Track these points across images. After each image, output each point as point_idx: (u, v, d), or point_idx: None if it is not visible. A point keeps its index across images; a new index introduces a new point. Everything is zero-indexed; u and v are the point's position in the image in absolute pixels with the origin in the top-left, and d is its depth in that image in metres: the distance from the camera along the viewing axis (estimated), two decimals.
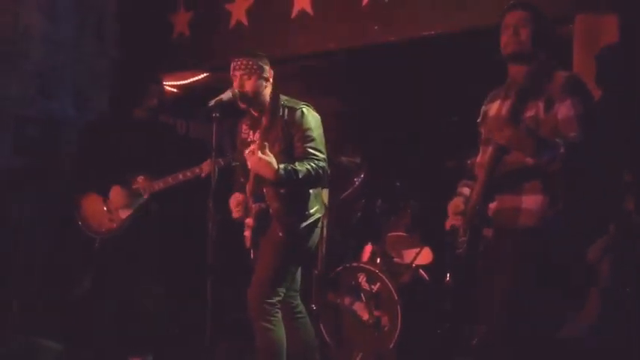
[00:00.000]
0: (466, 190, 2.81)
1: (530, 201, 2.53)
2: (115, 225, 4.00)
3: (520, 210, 2.55)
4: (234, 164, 3.63)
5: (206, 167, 3.83)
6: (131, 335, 4.13)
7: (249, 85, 3.23)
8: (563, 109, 2.50)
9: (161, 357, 4.17)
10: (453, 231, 2.74)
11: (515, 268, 2.52)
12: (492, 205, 2.61)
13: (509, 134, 2.41)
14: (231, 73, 3.29)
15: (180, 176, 3.93)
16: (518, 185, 2.56)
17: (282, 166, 3.02)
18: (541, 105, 2.54)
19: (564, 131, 2.47)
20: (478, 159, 2.80)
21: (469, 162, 2.96)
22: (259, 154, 2.97)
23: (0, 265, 4.36)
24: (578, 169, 2.48)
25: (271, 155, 3.01)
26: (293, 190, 3.15)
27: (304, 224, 3.22)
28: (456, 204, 2.76)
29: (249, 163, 3.10)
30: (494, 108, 2.77)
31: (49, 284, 4.53)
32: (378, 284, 4.22)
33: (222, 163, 3.71)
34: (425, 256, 4.61)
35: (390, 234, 4.62)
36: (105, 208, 4.03)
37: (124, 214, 4.00)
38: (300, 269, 3.38)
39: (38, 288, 4.45)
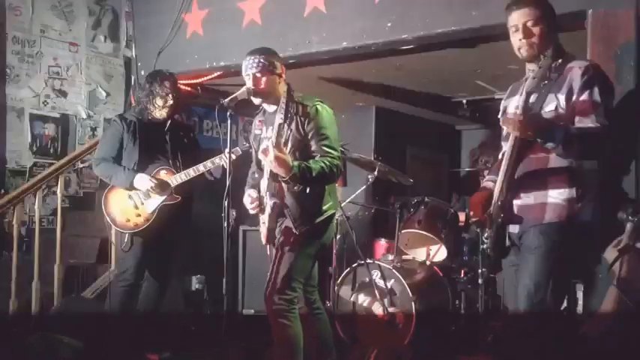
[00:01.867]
0: (490, 184, 2.79)
1: (556, 196, 2.53)
2: (142, 219, 4.00)
3: (546, 204, 2.54)
4: (246, 150, 3.61)
5: (225, 157, 3.83)
6: (148, 332, 4.17)
7: (263, 83, 3.23)
8: (581, 101, 2.49)
9: (178, 354, 4.20)
10: (478, 226, 2.74)
11: (540, 261, 2.51)
12: (517, 202, 2.61)
13: (523, 123, 2.40)
14: (244, 72, 3.29)
15: (201, 167, 3.94)
16: (542, 182, 2.55)
17: (296, 163, 3.02)
18: (561, 98, 2.53)
19: (580, 119, 2.47)
20: (500, 155, 2.78)
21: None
22: (275, 151, 2.97)
23: (19, 261, 4.40)
24: (593, 157, 2.47)
25: (286, 153, 3.02)
26: (307, 187, 3.16)
27: (318, 220, 3.23)
28: (479, 196, 2.74)
29: (264, 161, 3.10)
30: (514, 103, 2.74)
31: (68, 282, 4.58)
32: (393, 281, 4.22)
33: (234, 156, 3.73)
34: (439, 252, 4.61)
35: (404, 230, 4.62)
36: (132, 203, 4.02)
37: (151, 207, 3.99)
38: (316, 265, 3.40)
39: (58, 285, 4.48)
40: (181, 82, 5.28)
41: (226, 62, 4.83)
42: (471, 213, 2.76)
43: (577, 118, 2.49)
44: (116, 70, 5.47)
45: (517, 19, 2.63)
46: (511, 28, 2.67)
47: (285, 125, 3.12)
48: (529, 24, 2.60)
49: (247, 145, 3.57)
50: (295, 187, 3.13)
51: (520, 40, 2.62)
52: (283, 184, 3.14)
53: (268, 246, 3.37)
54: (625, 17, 3.22)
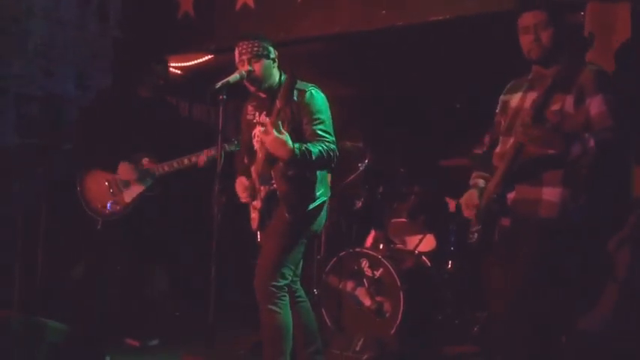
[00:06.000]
0: (480, 182, 2.76)
1: (551, 193, 2.50)
2: (118, 207, 3.98)
3: (540, 201, 2.51)
4: (236, 150, 3.60)
5: (211, 152, 3.80)
6: (132, 317, 4.14)
7: (258, 68, 3.20)
8: (595, 105, 2.46)
9: (163, 339, 4.17)
10: (466, 221, 2.71)
11: (533, 259, 2.48)
12: (511, 195, 2.57)
13: (537, 134, 2.38)
14: (238, 58, 3.25)
15: (186, 160, 3.91)
16: (538, 176, 2.52)
17: (296, 145, 3.00)
18: (569, 99, 2.49)
19: (598, 126, 2.44)
20: (498, 149, 2.75)
21: (478, 152, 2.93)
22: (275, 133, 2.93)
23: (1, 244, 4.34)
24: (607, 163, 2.46)
25: (286, 134, 2.98)
26: (301, 173, 3.13)
27: (311, 207, 3.21)
28: (470, 196, 2.71)
29: (265, 143, 3.05)
30: (516, 100, 2.71)
31: (50, 264, 4.53)
32: (381, 270, 4.22)
33: (227, 148, 3.69)
34: (428, 242, 4.61)
35: (393, 220, 4.61)
36: (109, 189, 3.99)
37: (129, 196, 3.97)
38: (302, 254, 3.38)
39: (39, 268, 4.43)
40: (171, 64, 5.24)
41: (218, 45, 4.77)
42: (465, 211, 2.72)
43: (594, 125, 2.46)
44: (105, 50, 5.37)
45: (528, 20, 2.59)
46: (521, 30, 2.63)
47: (283, 110, 3.07)
48: (541, 26, 2.56)
49: (235, 142, 3.53)
50: (290, 173, 3.10)
51: (531, 42, 2.59)
52: (278, 170, 3.10)
53: (258, 233, 3.35)
54: (622, 9, 3.20)
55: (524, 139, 2.43)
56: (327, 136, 3.16)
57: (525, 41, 2.62)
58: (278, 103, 2.99)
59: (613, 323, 2.69)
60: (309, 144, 3.08)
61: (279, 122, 2.98)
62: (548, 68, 2.59)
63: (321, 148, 3.08)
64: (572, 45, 2.56)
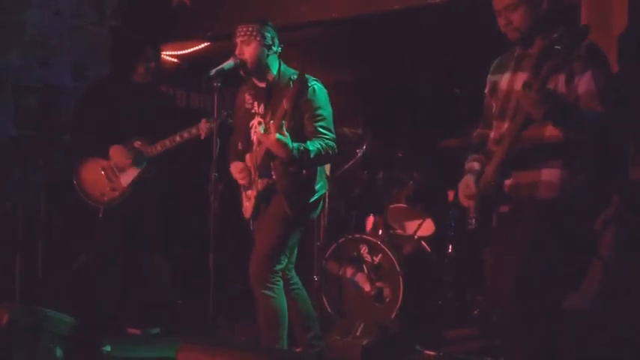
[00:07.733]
0: (476, 165, 2.72)
1: (550, 173, 2.47)
2: (117, 193, 3.98)
3: (539, 182, 2.49)
4: (229, 122, 3.55)
5: (203, 127, 3.75)
6: (133, 306, 4.16)
7: (247, 53, 3.17)
8: (584, 82, 2.43)
9: (164, 328, 4.19)
10: (463, 208, 2.70)
11: (532, 239, 2.47)
12: (508, 181, 2.55)
13: (550, 106, 2.28)
14: (234, 40, 3.23)
15: (178, 138, 3.88)
16: (536, 161, 2.50)
17: (295, 145, 3.00)
18: (562, 78, 2.45)
19: (586, 105, 2.41)
20: (492, 134, 2.71)
21: (474, 134, 2.90)
22: (277, 135, 2.92)
23: (1, 236, 4.35)
24: (599, 142, 2.43)
25: (288, 136, 2.97)
26: (301, 168, 3.14)
27: (310, 201, 3.25)
28: (466, 184, 2.67)
29: (265, 142, 3.04)
30: (505, 82, 2.66)
31: (50, 255, 4.54)
32: (380, 255, 4.23)
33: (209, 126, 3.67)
34: (427, 227, 4.61)
35: (392, 205, 4.62)
36: (106, 177, 3.99)
37: (126, 181, 3.98)
38: (298, 241, 3.39)
39: (41, 259, 4.45)
40: (167, 52, 5.22)
41: (214, 33, 4.75)
42: (462, 201, 2.70)
43: (583, 103, 2.42)
44: (101, 40, 5.35)
45: (497, 4, 2.56)
46: (495, 13, 2.59)
47: (282, 104, 3.05)
48: (509, 9, 2.51)
49: (225, 113, 3.49)
50: (291, 168, 3.11)
51: (504, 25, 2.56)
52: (278, 164, 3.11)
53: (251, 221, 3.38)
54: None
55: (536, 114, 2.32)
56: (327, 133, 3.16)
57: (500, 25, 2.58)
58: (285, 104, 2.96)
59: (598, 302, 2.70)
60: (308, 142, 3.09)
61: (283, 123, 2.96)
62: (529, 48, 2.55)
63: (319, 146, 3.09)
64: (551, 21, 2.52)
